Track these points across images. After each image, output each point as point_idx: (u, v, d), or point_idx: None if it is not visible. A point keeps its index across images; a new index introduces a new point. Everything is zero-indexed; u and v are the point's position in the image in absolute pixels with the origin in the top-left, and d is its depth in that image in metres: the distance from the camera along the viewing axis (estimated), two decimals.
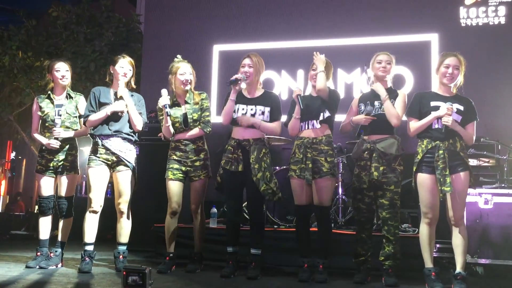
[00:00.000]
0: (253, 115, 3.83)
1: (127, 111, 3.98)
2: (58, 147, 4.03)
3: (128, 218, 4.04)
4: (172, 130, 3.98)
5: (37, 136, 4.14)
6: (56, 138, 4.03)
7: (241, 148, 3.81)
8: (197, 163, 3.98)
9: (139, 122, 4.04)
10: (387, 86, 3.82)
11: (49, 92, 4.17)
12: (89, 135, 4.03)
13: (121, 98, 3.96)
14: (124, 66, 4.03)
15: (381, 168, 3.61)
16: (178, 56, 4.13)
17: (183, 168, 3.97)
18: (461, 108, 3.52)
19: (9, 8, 9.81)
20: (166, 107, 3.90)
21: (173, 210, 3.98)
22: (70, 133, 4.08)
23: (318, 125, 3.77)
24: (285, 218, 4.98)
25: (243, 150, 3.81)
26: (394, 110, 3.65)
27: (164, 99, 3.92)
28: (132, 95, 4.08)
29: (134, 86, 4.13)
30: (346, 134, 3.97)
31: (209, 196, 4.34)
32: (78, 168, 4.18)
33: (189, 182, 4.03)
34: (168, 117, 3.93)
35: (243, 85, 3.85)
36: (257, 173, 3.71)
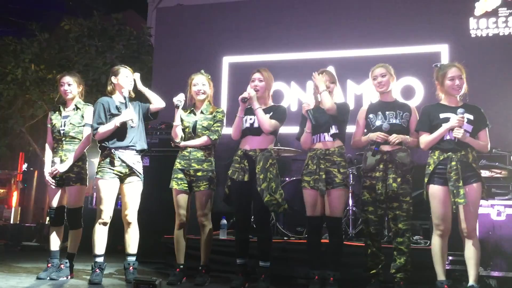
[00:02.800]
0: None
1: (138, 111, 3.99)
2: (53, 186, 4.07)
3: (135, 228, 4.04)
4: (180, 133, 4.02)
5: (46, 159, 4.15)
6: (55, 176, 4.06)
7: (247, 158, 3.81)
8: (199, 173, 3.97)
9: (159, 100, 4.10)
10: (392, 99, 3.81)
11: (59, 105, 4.24)
12: (99, 147, 4.04)
13: (121, 104, 3.99)
14: (128, 76, 4.07)
15: (399, 180, 3.59)
16: (202, 71, 4.17)
17: (187, 178, 3.98)
18: (471, 117, 3.50)
19: (22, 21, 9.96)
20: (177, 104, 3.91)
21: (180, 221, 3.98)
22: (68, 162, 4.04)
23: (329, 138, 3.76)
24: (295, 230, 4.95)
25: (250, 160, 3.80)
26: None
27: (179, 97, 3.95)
28: (137, 103, 4.12)
29: (133, 95, 4.13)
30: (358, 148, 3.94)
31: (219, 207, 4.34)
32: (87, 179, 4.19)
33: (190, 192, 4.04)
34: (178, 118, 3.97)
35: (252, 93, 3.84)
36: (262, 183, 3.68)
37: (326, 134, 3.77)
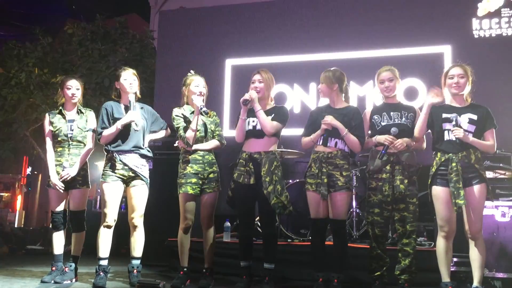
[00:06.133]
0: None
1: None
2: (62, 190, 4.06)
3: (141, 232, 4.05)
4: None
5: (50, 163, 4.11)
6: (63, 180, 4.05)
7: (252, 161, 3.80)
8: (212, 175, 3.97)
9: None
10: (397, 101, 3.80)
11: (60, 107, 4.23)
12: (104, 150, 4.05)
13: (127, 107, 4.00)
14: (127, 78, 4.06)
15: (406, 181, 3.58)
16: (192, 71, 4.16)
17: (200, 182, 3.95)
18: (474, 117, 3.48)
19: (26, 25, 10.00)
20: (206, 110, 3.84)
21: (186, 225, 3.95)
22: (77, 166, 4.06)
23: (331, 143, 3.74)
24: (299, 232, 4.95)
25: (255, 162, 3.79)
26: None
27: (202, 102, 3.90)
28: (142, 107, 4.13)
29: (139, 96, 4.15)
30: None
31: (222, 210, 4.33)
32: (89, 182, 4.20)
33: (200, 195, 4.01)
34: (196, 123, 3.91)
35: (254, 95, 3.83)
36: (268, 186, 3.68)
37: (330, 138, 3.73)
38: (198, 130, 3.96)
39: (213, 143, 4.02)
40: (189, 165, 3.96)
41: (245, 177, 3.77)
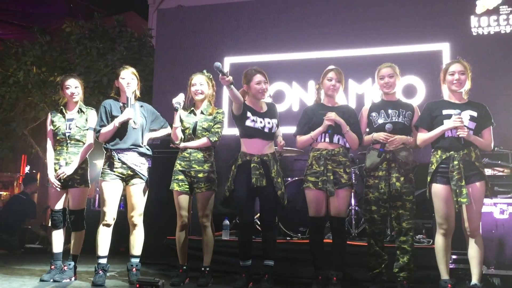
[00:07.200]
0: (270, 129, 3.82)
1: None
2: (59, 189, 4.06)
3: (141, 230, 4.05)
4: (180, 135, 4.00)
5: (49, 162, 4.11)
6: (60, 179, 4.04)
7: (263, 164, 3.77)
8: (200, 175, 3.96)
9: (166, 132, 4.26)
10: (395, 98, 3.80)
11: (61, 107, 4.22)
12: (103, 148, 4.05)
13: (125, 106, 3.99)
14: (125, 77, 4.06)
15: (402, 179, 3.58)
16: (204, 71, 4.16)
17: (188, 179, 3.97)
18: (475, 114, 3.48)
19: (24, 24, 9.96)
20: (176, 106, 3.87)
21: (182, 223, 3.97)
22: (74, 164, 4.05)
23: (335, 139, 3.74)
24: (297, 230, 4.95)
25: (264, 165, 3.77)
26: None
27: (178, 98, 3.92)
28: (141, 106, 4.13)
29: (138, 95, 4.16)
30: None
31: (221, 208, 4.33)
32: (89, 181, 4.20)
33: (191, 194, 4.03)
34: (178, 119, 3.96)
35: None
36: (281, 187, 3.74)
37: (333, 134, 3.74)
38: (186, 128, 4.00)
39: (200, 141, 4.00)
40: (178, 162, 4.02)
41: (260, 180, 3.71)
